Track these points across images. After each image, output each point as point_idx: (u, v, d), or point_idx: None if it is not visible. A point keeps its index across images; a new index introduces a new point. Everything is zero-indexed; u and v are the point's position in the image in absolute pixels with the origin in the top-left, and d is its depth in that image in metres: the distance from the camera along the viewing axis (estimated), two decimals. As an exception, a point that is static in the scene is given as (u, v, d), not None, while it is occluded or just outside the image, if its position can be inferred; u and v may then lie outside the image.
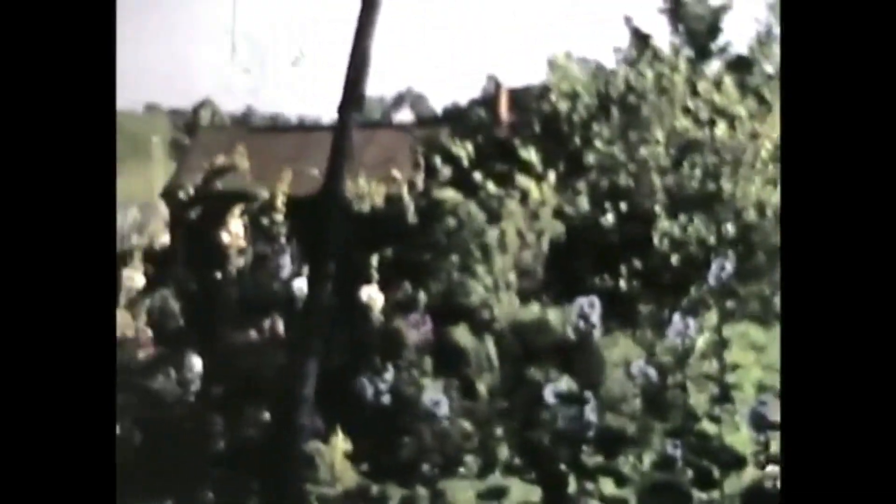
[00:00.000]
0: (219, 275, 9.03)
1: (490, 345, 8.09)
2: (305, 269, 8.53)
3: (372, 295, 8.39)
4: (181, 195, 15.70)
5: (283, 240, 8.92)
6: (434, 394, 6.75)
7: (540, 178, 11.58)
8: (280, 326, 8.36)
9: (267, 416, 7.65)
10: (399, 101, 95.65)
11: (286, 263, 8.73)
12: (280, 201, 8.91)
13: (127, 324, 8.39)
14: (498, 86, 19.26)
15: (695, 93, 12.98)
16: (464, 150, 12.31)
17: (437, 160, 12.30)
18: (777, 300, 10.23)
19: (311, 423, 6.86)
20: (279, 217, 8.95)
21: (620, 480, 5.68)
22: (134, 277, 8.60)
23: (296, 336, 7.46)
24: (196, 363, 7.95)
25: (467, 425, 7.26)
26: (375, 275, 8.42)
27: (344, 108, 6.89)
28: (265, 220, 9.80)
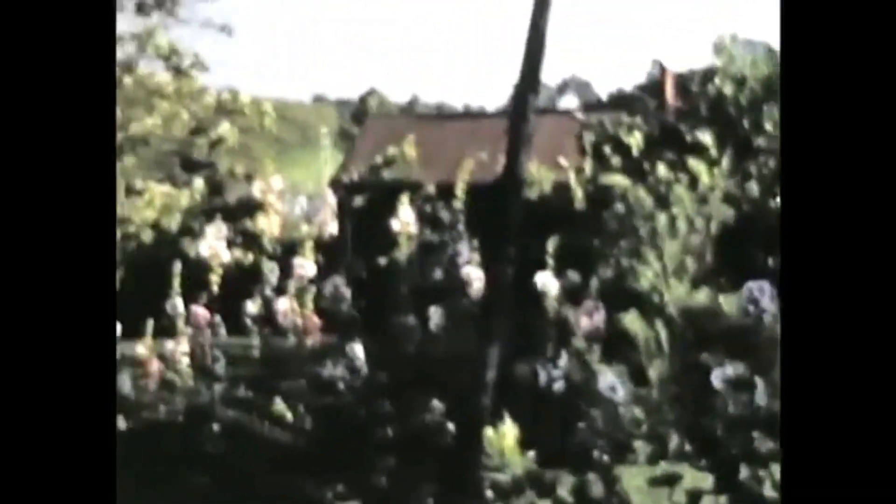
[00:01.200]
0: (389, 262, 9.13)
1: (661, 330, 7.99)
2: (477, 257, 8.58)
3: (546, 282, 8.38)
4: (349, 184, 15.94)
5: (459, 227, 8.96)
6: (610, 379, 6.72)
7: (713, 163, 11.40)
8: (452, 314, 8.41)
9: (437, 402, 7.71)
10: (564, 87, 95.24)
11: (462, 250, 8.77)
12: (459, 188, 8.95)
13: (294, 311, 8.55)
14: (664, 70, 19.05)
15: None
16: (633, 137, 12.21)
17: (605, 146, 12.23)
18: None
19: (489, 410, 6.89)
20: (457, 204, 8.99)
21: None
22: (304, 266, 8.75)
23: (476, 323, 7.51)
24: (363, 350, 8.06)
25: (638, 411, 7.21)
26: (550, 261, 8.41)
27: (522, 93, 6.87)
28: (437, 208, 9.87)
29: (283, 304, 8.57)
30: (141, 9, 18.50)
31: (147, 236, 17.70)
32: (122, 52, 18.10)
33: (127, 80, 17.87)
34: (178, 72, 18.46)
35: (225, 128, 18.70)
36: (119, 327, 8.47)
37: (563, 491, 6.48)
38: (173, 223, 18.29)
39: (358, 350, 8.01)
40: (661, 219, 10.39)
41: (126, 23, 18.13)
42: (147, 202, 17.96)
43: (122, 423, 7.91)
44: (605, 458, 6.78)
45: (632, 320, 8.25)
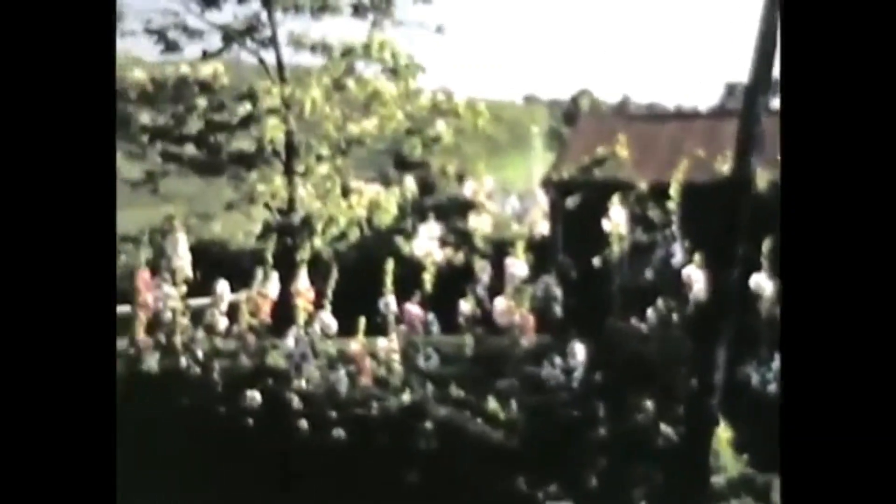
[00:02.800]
0: (602, 262, 9.05)
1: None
2: (691, 258, 8.41)
3: (761, 283, 8.17)
4: (560, 184, 15.88)
5: (672, 227, 8.80)
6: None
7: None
8: (667, 315, 8.28)
9: (650, 404, 7.61)
10: (774, 87, 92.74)
11: (675, 251, 8.62)
12: (673, 188, 8.80)
13: (511, 311, 8.55)
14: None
15: None
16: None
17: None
18: None
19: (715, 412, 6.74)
20: (670, 204, 8.84)
21: None
22: (516, 265, 8.74)
23: (694, 325, 7.38)
24: (580, 350, 8.01)
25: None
26: (765, 262, 8.20)
27: (753, 93, 6.71)
28: (648, 208, 9.73)
29: (501, 304, 8.57)
30: (357, 11, 18.86)
31: (354, 234, 18.02)
32: (341, 54, 18.48)
33: (349, 83, 18.23)
34: (394, 73, 18.74)
35: (441, 127, 18.89)
36: (334, 324, 8.63)
37: (778, 495, 6.29)
38: (384, 221, 18.57)
39: (578, 351, 7.99)
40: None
41: (343, 25, 18.48)
42: (356, 201, 18.29)
43: (334, 418, 8.06)
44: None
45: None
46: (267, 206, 18.43)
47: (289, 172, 18.33)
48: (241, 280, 9.16)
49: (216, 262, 13.88)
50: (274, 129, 17.95)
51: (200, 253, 8.86)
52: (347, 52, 18.45)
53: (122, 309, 8.75)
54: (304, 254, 15.25)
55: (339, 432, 8.06)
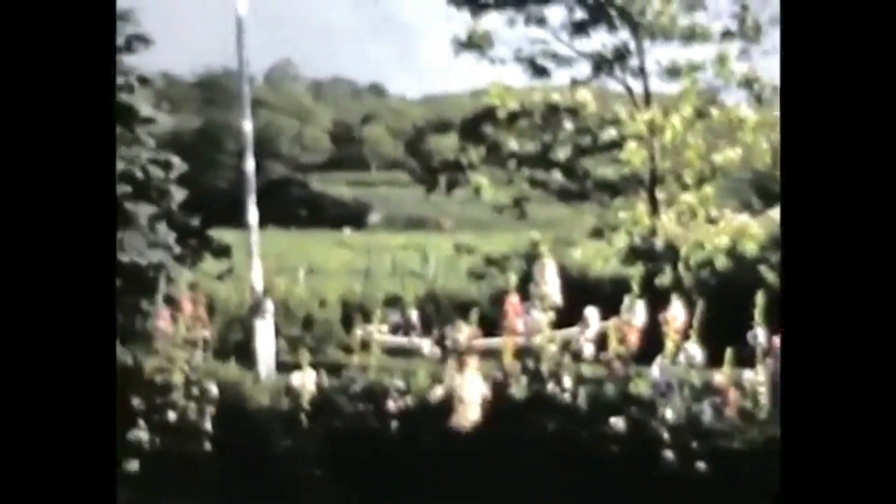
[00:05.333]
0: None
1: None
2: None
3: None
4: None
5: None
6: None
7: None
8: None
9: None
10: None
11: None
12: None
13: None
14: None
15: None
16: None
17: None
18: None
19: None
20: None
21: None
22: None
23: None
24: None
25: None
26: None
27: None
28: None
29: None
30: (725, 38, 18.66)
31: (721, 262, 17.78)
32: (705, 81, 18.34)
33: (712, 111, 18.08)
34: (758, 101, 18.43)
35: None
36: (700, 354, 8.57)
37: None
38: (749, 250, 18.24)
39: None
40: None
41: (709, 52, 18.29)
42: (721, 228, 18.05)
43: (696, 449, 8.00)
44: None
45: None
46: (629, 233, 18.50)
47: (652, 200, 18.33)
48: (601, 307, 9.26)
49: (577, 289, 14.05)
50: (638, 157, 18.01)
51: (562, 279, 8.99)
52: (712, 77, 18.29)
53: (492, 341, 9.03)
54: (666, 281, 15.20)
55: (700, 464, 8.00)
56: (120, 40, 18.63)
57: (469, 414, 8.41)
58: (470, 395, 8.44)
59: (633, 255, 18.15)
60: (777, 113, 18.38)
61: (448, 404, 8.51)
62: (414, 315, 18.74)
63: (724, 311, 9.28)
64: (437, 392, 8.60)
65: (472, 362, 8.73)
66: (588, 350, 8.89)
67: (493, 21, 19.28)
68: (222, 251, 20.22)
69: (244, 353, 12.20)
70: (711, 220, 18.36)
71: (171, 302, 9.42)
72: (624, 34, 18.81)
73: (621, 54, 18.83)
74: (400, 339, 15.23)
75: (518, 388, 8.60)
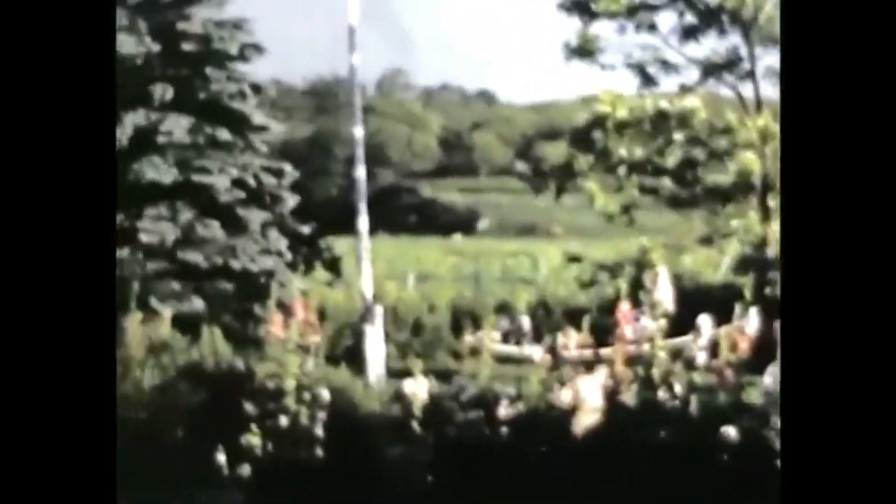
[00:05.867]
0: None
1: None
2: None
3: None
4: None
5: None
6: None
7: None
8: None
9: None
10: None
11: None
12: None
13: None
14: None
15: None
16: None
17: None
18: None
19: None
20: None
21: None
22: None
23: None
24: None
25: None
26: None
27: None
28: None
29: None
30: None
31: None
32: None
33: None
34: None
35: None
36: None
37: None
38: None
39: None
40: None
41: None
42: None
43: None
44: None
45: None
46: (741, 241, 18.27)
47: (763, 207, 18.08)
48: (711, 314, 9.18)
49: (687, 296, 13.92)
50: (750, 164, 17.78)
51: (673, 286, 8.93)
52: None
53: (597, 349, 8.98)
54: (778, 289, 14.98)
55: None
56: (233, 49, 18.95)
57: (587, 420, 8.39)
58: (590, 400, 8.44)
59: (744, 263, 17.92)
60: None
61: (561, 411, 8.50)
62: (525, 322, 18.72)
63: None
64: (562, 396, 8.58)
65: (591, 369, 8.73)
66: (701, 358, 8.83)
67: (603, 27, 19.21)
68: (333, 261, 20.43)
69: (354, 359, 12.31)
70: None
71: (283, 308, 9.54)
72: (735, 39, 18.59)
73: (732, 60, 18.61)
74: (510, 348, 15.23)
75: (629, 396, 8.55)
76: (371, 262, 14.91)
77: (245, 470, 8.56)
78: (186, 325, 12.71)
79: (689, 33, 18.82)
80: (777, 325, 8.52)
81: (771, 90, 18.53)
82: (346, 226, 17.26)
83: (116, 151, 17.64)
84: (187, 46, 18.51)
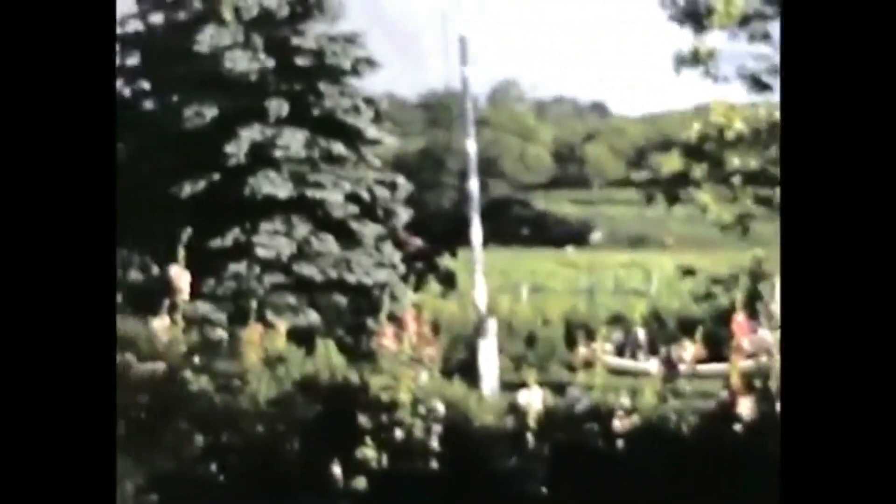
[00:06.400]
0: None
1: None
2: None
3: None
4: None
5: None
6: None
7: None
8: None
9: None
10: None
11: None
12: None
13: None
14: None
15: None
16: None
17: None
18: None
19: None
20: None
21: None
22: None
23: None
24: None
25: None
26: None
27: None
28: None
29: None
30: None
31: None
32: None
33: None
34: None
35: None
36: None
37: None
38: None
39: None
40: None
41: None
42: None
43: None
44: None
45: None
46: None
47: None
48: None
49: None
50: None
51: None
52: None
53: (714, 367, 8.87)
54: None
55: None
56: (346, 63, 19.17)
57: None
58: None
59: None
60: None
61: (676, 423, 8.42)
62: (640, 334, 18.60)
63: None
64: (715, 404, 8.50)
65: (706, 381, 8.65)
66: (819, 371, 8.66)
67: (715, 37, 19.03)
68: (446, 274, 20.51)
69: (468, 371, 12.33)
70: None
71: (396, 320, 9.59)
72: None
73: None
74: (625, 361, 15.14)
75: (745, 408, 8.43)
76: (484, 274, 14.94)
77: (360, 482, 8.62)
78: (301, 338, 12.87)
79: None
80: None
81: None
82: (459, 238, 17.32)
83: (229, 167, 18.13)
84: (301, 61, 18.78)
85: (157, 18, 19.84)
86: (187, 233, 8.18)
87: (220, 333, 9.18)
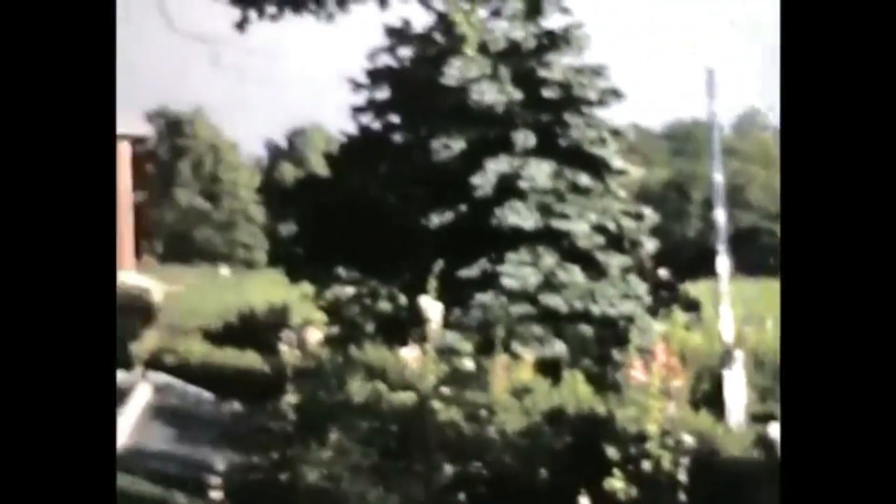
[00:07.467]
0: None
1: None
2: None
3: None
4: None
5: None
6: None
7: None
8: None
9: None
10: None
11: None
12: None
13: None
14: None
15: None
16: None
17: None
18: None
19: None
20: None
21: None
22: None
23: None
24: None
25: None
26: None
27: None
28: None
29: None
30: None
31: None
32: None
33: None
34: None
35: None
36: None
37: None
38: None
39: None
40: None
41: None
42: None
43: None
44: None
45: None
46: None
47: None
48: None
49: None
50: None
51: None
52: None
53: None
54: None
55: None
56: (593, 95, 19.26)
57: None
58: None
59: None
60: None
61: None
62: None
63: None
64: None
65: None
66: None
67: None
68: (692, 305, 20.25)
69: (714, 403, 12.16)
70: None
71: (643, 352, 9.58)
72: None
73: None
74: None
75: None
76: (730, 304, 14.71)
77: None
78: (548, 368, 12.97)
79: None
80: None
81: None
82: (705, 268, 17.10)
83: (476, 198, 18.46)
84: (548, 93, 18.97)
85: (405, 52, 20.39)
86: (439, 264, 8.38)
87: (467, 363, 9.34)
